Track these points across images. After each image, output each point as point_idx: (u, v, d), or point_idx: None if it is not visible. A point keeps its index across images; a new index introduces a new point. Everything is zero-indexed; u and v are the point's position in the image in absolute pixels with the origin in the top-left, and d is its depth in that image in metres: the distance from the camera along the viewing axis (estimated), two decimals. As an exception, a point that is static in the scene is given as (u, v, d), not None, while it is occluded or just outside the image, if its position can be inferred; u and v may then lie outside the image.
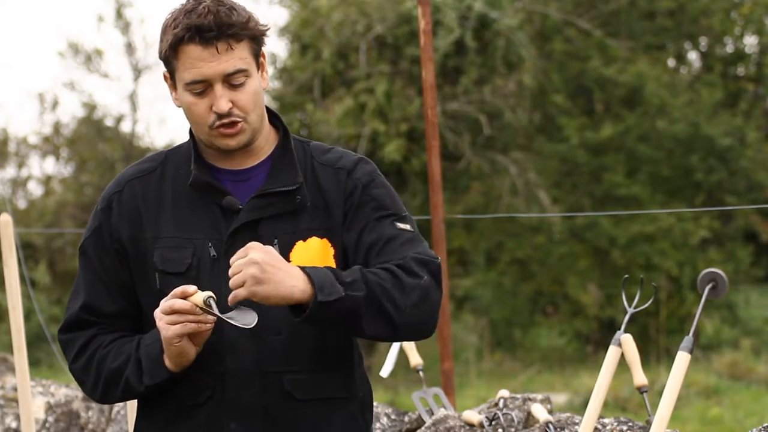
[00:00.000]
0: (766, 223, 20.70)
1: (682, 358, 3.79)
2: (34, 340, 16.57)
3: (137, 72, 22.96)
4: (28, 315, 15.49)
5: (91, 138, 23.20)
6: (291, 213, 3.00)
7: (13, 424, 5.95)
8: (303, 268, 2.83)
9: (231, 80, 2.93)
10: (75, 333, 3.06)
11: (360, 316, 2.84)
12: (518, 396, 4.51)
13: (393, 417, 4.91)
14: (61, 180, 23.75)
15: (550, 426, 4.24)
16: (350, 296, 2.82)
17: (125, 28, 22.81)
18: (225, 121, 2.95)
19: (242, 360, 2.95)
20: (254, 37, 2.96)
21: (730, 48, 22.20)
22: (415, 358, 4.85)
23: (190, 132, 3.06)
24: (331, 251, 2.99)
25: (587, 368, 17.45)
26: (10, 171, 23.71)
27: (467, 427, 4.40)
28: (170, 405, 3.01)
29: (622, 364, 4.08)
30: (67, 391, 5.96)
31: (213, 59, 2.91)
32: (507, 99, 19.32)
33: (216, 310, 2.81)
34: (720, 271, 3.93)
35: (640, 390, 4.16)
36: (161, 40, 2.97)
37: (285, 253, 2.96)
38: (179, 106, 3.02)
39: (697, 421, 13.44)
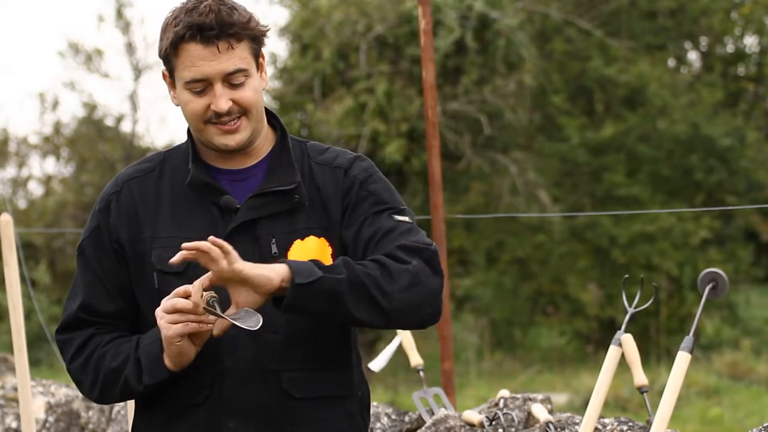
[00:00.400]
0: (766, 223, 20.71)
1: (683, 358, 3.79)
2: (35, 340, 16.57)
3: (137, 72, 22.98)
4: (29, 315, 15.50)
5: (92, 138, 23.21)
6: (289, 212, 3.00)
7: (14, 424, 5.95)
8: (282, 260, 2.84)
9: (231, 79, 2.94)
10: (73, 333, 3.06)
11: (343, 298, 2.83)
12: (518, 396, 4.51)
13: (393, 417, 4.90)
14: (61, 180, 23.76)
15: (551, 426, 4.24)
16: (328, 278, 2.81)
17: (125, 28, 22.82)
18: (224, 119, 2.95)
19: (240, 358, 2.95)
20: (255, 37, 2.97)
21: (730, 48, 22.20)
22: (415, 358, 4.85)
23: (188, 132, 3.06)
24: (329, 250, 2.99)
25: (587, 368, 17.45)
26: (10, 171, 23.74)
27: (467, 427, 4.40)
28: (168, 404, 3.01)
29: (623, 364, 4.08)
30: (67, 391, 5.96)
31: (213, 58, 2.91)
32: (507, 99, 19.32)
33: (219, 311, 2.81)
34: (720, 271, 3.93)
35: (641, 390, 4.16)
36: (161, 38, 2.97)
37: (283, 252, 2.96)
38: (177, 105, 3.02)
39: (697, 421, 13.43)
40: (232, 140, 2.98)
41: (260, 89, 2.99)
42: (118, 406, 5.75)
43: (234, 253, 2.78)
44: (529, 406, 4.45)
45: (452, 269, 19.45)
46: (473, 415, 4.40)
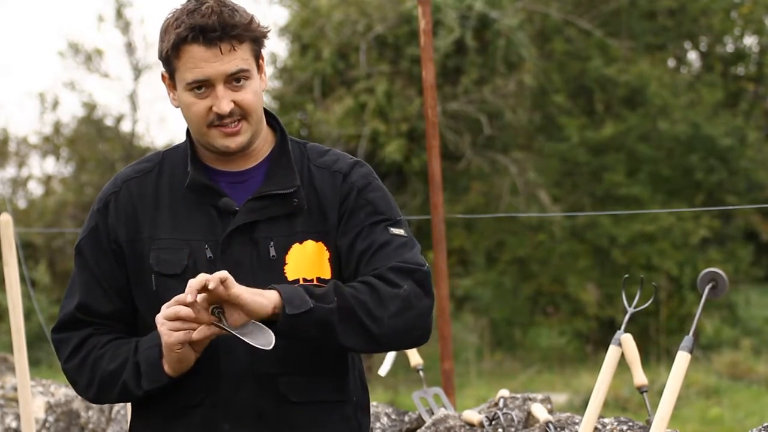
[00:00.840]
0: (766, 222, 20.70)
1: (682, 358, 3.79)
2: (34, 340, 16.56)
3: (137, 72, 22.96)
4: (28, 315, 15.49)
5: (91, 138, 23.19)
6: (287, 216, 3.00)
7: (13, 424, 5.95)
8: (273, 286, 2.84)
9: (233, 81, 2.93)
10: (69, 332, 3.05)
11: (333, 327, 2.84)
12: (518, 396, 4.51)
13: (393, 417, 4.91)
14: (61, 180, 23.75)
15: (550, 426, 4.24)
16: (320, 308, 2.83)
17: (125, 27, 22.80)
18: (226, 121, 2.95)
19: (237, 362, 2.95)
20: (256, 38, 2.96)
21: (730, 48, 22.20)
22: (415, 358, 4.85)
23: (188, 133, 3.05)
24: (326, 255, 2.99)
25: (587, 368, 17.45)
26: (10, 171, 23.73)
27: (467, 427, 4.40)
28: (165, 406, 3.00)
29: (622, 363, 4.08)
30: (67, 390, 5.95)
31: (216, 60, 2.91)
32: (507, 99, 19.32)
33: (225, 324, 2.81)
34: (720, 271, 3.93)
35: (640, 390, 4.16)
36: (162, 40, 2.96)
37: (281, 255, 2.96)
38: (177, 107, 3.01)
39: (697, 421, 13.43)
40: (232, 142, 2.97)
41: (260, 91, 2.99)
42: (117, 406, 5.75)
43: (231, 278, 2.78)
44: (528, 406, 4.45)
45: (452, 269, 19.44)
46: (473, 415, 4.40)
